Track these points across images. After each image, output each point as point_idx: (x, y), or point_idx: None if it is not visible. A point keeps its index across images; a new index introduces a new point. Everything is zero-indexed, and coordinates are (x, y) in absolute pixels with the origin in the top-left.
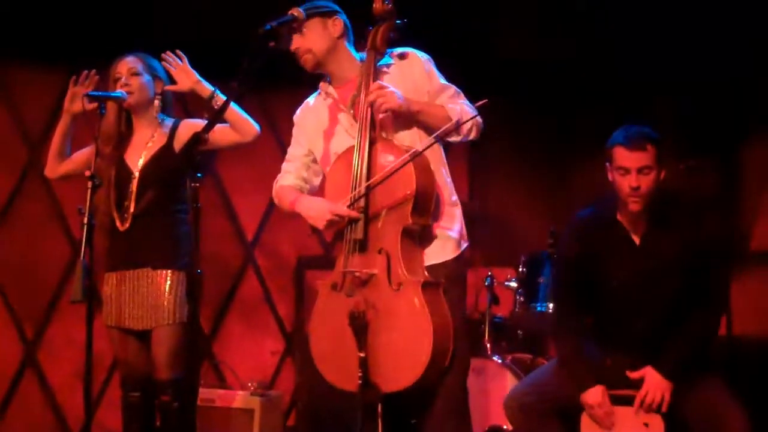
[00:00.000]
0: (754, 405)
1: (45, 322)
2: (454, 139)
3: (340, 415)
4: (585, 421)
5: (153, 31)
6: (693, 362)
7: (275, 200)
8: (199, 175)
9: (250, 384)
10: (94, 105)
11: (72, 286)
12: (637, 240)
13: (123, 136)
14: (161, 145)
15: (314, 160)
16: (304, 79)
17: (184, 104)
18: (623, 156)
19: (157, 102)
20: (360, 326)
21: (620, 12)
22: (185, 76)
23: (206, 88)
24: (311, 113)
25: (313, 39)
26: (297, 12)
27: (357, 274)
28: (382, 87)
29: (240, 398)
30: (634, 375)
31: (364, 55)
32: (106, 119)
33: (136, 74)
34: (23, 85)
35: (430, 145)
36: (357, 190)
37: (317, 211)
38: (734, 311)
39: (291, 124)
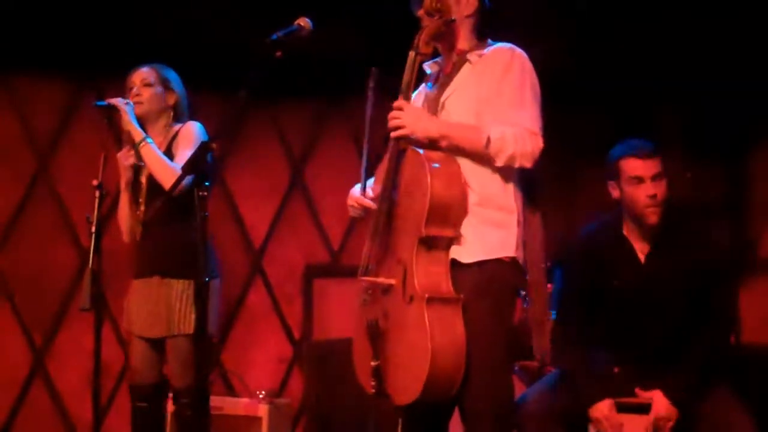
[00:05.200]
0: (763, 413)
1: (54, 330)
2: (496, 165)
3: (349, 424)
4: (593, 430)
5: (156, 37)
6: (701, 386)
7: None
8: (206, 183)
9: (258, 392)
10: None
11: (80, 294)
12: (642, 257)
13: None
14: (163, 151)
15: None
16: (313, 91)
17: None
18: (636, 166)
19: (170, 112)
20: (373, 334)
21: (624, 19)
22: (124, 118)
23: (139, 132)
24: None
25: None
26: (303, 22)
27: (377, 282)
28: (399, 108)
29: (248, 406)
30: (644, 395)
31: (492, 42)
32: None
33: (148, 85)
34: (31, 94)
35: None
36: (374, 187)
37: (348, 198)
38: (743, 319)
39: (298, 135)
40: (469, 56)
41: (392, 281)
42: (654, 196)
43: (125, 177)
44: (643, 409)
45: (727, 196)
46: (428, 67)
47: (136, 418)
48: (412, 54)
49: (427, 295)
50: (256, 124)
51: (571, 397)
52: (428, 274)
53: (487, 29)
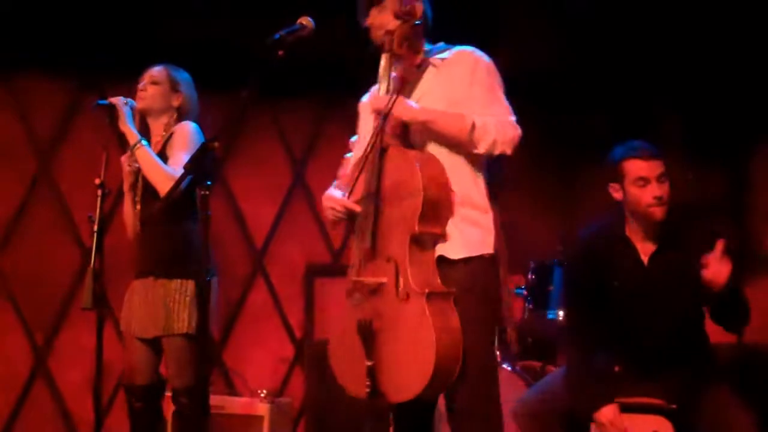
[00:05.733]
0: (765, 412)
1: (55, 330)
2: (477, 152)
3: (350, 423)
4: (594, 430)
5: (157, 36)
6: (704, 384)
7: None
8: (208, 183)
9: (259, 391)
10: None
11: (82, 294)
12: (645, 259)
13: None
14: (158, 151)
15: None
16: (314, 90)
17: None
18: (641, 167)
19: (173, 114)
20: (367, 335)
21: (625, 19)
22: (121, 118)
23: (134, 135)
24: (368, 99)
25: (389, 16)
26: (306, 21)
27: (366, 282)
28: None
29: (249, 405)
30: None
31: (440, 45)
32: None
33: (155, 83)
34: (32, 93)
35: None
36: (356, 185)
37: (324, 203)
38: None
39: (300, 134)
40: (431, 60)
41: (383, 280)
42: (660, 197)
43: (128, 181)
44: (647, 409)
45: (728, 196)
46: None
47: (134, 419)
48: (387, 56)
49: (426, 290)
50: (258, 124)
51: (574, 399)
52: (421, 270)
53: (430, 33)
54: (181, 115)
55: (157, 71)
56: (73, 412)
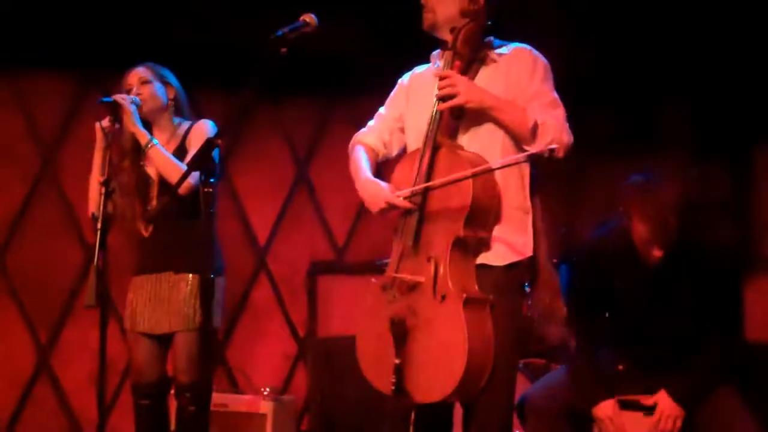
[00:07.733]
0: (766, 411)
1: (59, 327)
2: (529, 149)
3: (353, 421)
4: (596, 430)
5: (160, 34)
6: (708, 390)
7: (349, 151)
8: (212, 180)
9: (262, 389)
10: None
11: (85, 291)
12: (651, 264)
13: (139, 146)
14: (175, 148)
15: (401, 129)
16: (318, 87)
17: (197, 110)
18: (647, 236)
19: (172, 107)
20: (399, 332)
21: (629, 17)
22: (128, 119)
23: (144, 135)
24: (416, 81)
25: (445, 1)
26: (309, 18)
27: (404, 279)
28: (447, 76)
29: (253, 403)
30: (648, 401)
31: (495, 41)
32: (122, 130)
33: (147, 83)
34: (36, 91)
35: (497, 168)
36: (414, 187)
37: (372, 197)
38: (748, 317)
39: (303, 132)
40: (491, 55)
41: (420, 279)
42: (660, 256)
43: (100, 146)
44: (648, 407)
45: (732, 194)
46: (433, 58)
47: (140, 416)
48: (449, 54)
49: (464, 296)
50: (261, 121)
51: (576, 395)
52: (460, 274)
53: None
54: (177, 107)
55: (142, 71)
56: (76, 409)
